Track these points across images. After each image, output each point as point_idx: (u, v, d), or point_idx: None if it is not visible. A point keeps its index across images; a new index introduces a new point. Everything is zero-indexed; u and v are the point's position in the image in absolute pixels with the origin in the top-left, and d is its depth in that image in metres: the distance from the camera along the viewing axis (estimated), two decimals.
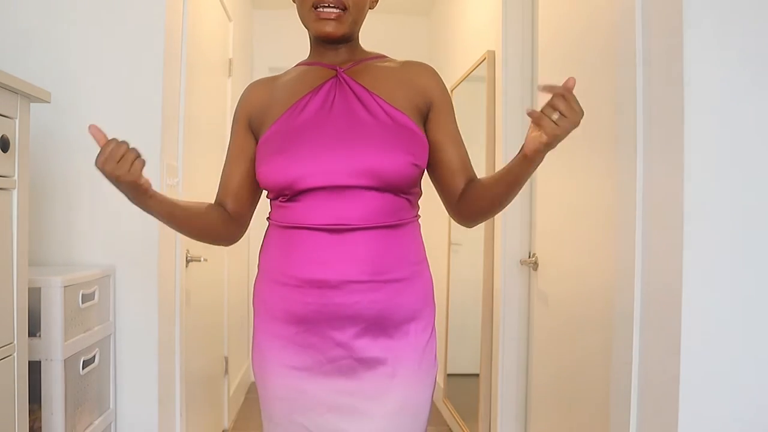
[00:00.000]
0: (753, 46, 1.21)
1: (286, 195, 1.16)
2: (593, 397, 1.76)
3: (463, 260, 3.19)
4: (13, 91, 1.26)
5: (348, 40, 1.24)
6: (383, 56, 1.31)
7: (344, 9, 1.18)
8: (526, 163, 1.07)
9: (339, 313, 1.14)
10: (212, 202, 1.30)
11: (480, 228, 2.62)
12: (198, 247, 2.53)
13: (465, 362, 2.92)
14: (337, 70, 1.23)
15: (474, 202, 1.21)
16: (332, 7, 1.17)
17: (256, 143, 1.24)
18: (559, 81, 1.02)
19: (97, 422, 1.76)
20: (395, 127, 1.16)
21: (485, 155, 2.52)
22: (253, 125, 1.26)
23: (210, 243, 1.30)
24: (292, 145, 1.15)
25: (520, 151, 1.08)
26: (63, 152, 1.88)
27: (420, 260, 1.23)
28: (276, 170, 1.15)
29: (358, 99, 1.18)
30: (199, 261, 2.40)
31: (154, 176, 1.90)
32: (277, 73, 1.36)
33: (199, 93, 2.57)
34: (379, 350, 1.16)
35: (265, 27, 4.15)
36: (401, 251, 1.18)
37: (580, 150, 1.89)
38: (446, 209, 1.29)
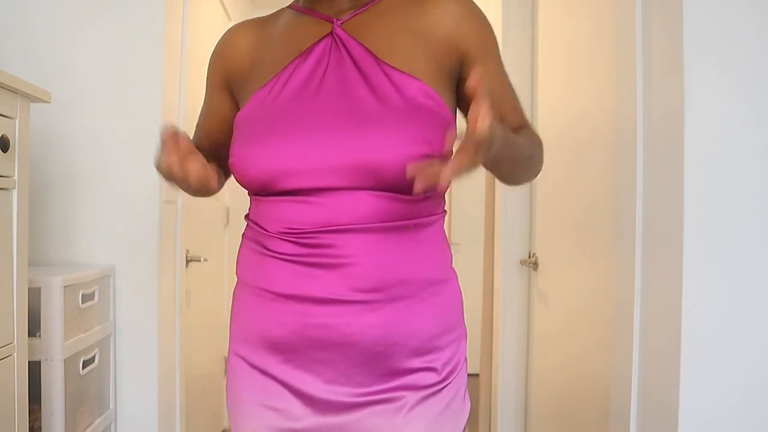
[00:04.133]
0: (752, 47, 1.21)
1: (262, 194, 0.92)
2: (593, 397, 1.76)
3: (463, 260, 3.18)
4: (13, 91, 1.26)
5: None
6: None
7: None
8: None
9: (325, 340, 0.88)
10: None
11: (480, 228, 2.62)
12: (198, 247, 2.53)
13: None
14: (333, 24, 0.93)
15: None
16: None
17: (237, 110, 0.98)
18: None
19: (97, 422, 1.76)
20: (407, 108, 0.86)
21: None
22: (234, 88, 1.00)
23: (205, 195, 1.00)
24: (269, 132, 0.88)
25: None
26: (63, 152, 1.88)
27: (436, 269, 0.94)
28: (254, 163, 0.88)
29: (359, 69, 0.89)
30: (199, 261, 2.40)
31: (153, 176, 1.90)
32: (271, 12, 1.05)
33: (199, 93, 2.56)
34: (382, 393, 0.89)
35: None
36: (417, 258, 0.90)
37: (580, 152, 1.89)
38: None
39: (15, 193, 1.27)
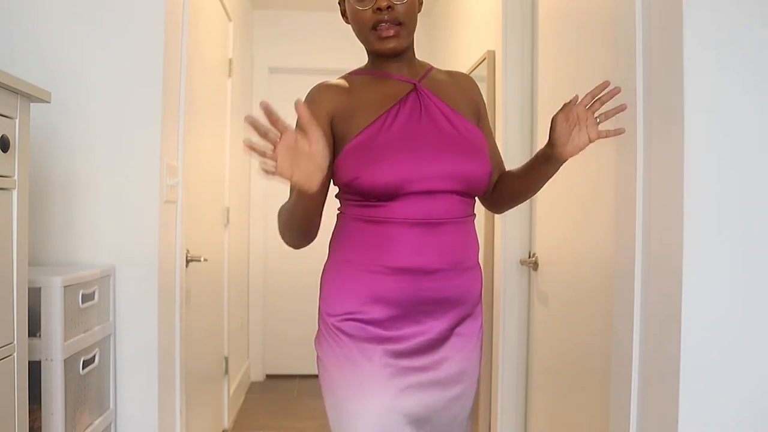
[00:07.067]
0: (752, 43, 1.22)
1: (383, 198, 1.26)
2: (593, 397, 1.76)
3: None
4: (13, 91, 1.26)
5: (407, 50, 1.36)
6: (430, 66, 1.43)
7: (400, 24, 1.29)
8: (557, 162, 1.31)
9: (431, 298, 1.29)
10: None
11: (480, 228, 2.62)
12: (198, 247, 2.53)
13: None
14: (415, 85, 1.34)
15: (504, 193, 1.44)
16: (390, 24, 1.28)
17: (333, 143, 1.32)
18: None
19: (97, 422, 1.76)
20: (472, 137, 1.32)
21: None
22: (336, 126, 1.32)
23: (302, 244, 1.34)
24: (393, 153, 1.26)
25: (550, 148, 1.28)
26: (63, 152, 1.88)
27: (478, 251, 1.42)
28: (382, 175, 1.24)
29: (441, 112, 1.32)
30: (199, 261, 2.40)
31: (153, 176, 1.91)
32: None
33: (199, 93, 2.57)
34: (462, 327, 1.36)
35: (265, 27, 4.15)
36: (472, 242, 1.37)
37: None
38: (478, 199, 1.45)
39: (15, 193, 1.27)
